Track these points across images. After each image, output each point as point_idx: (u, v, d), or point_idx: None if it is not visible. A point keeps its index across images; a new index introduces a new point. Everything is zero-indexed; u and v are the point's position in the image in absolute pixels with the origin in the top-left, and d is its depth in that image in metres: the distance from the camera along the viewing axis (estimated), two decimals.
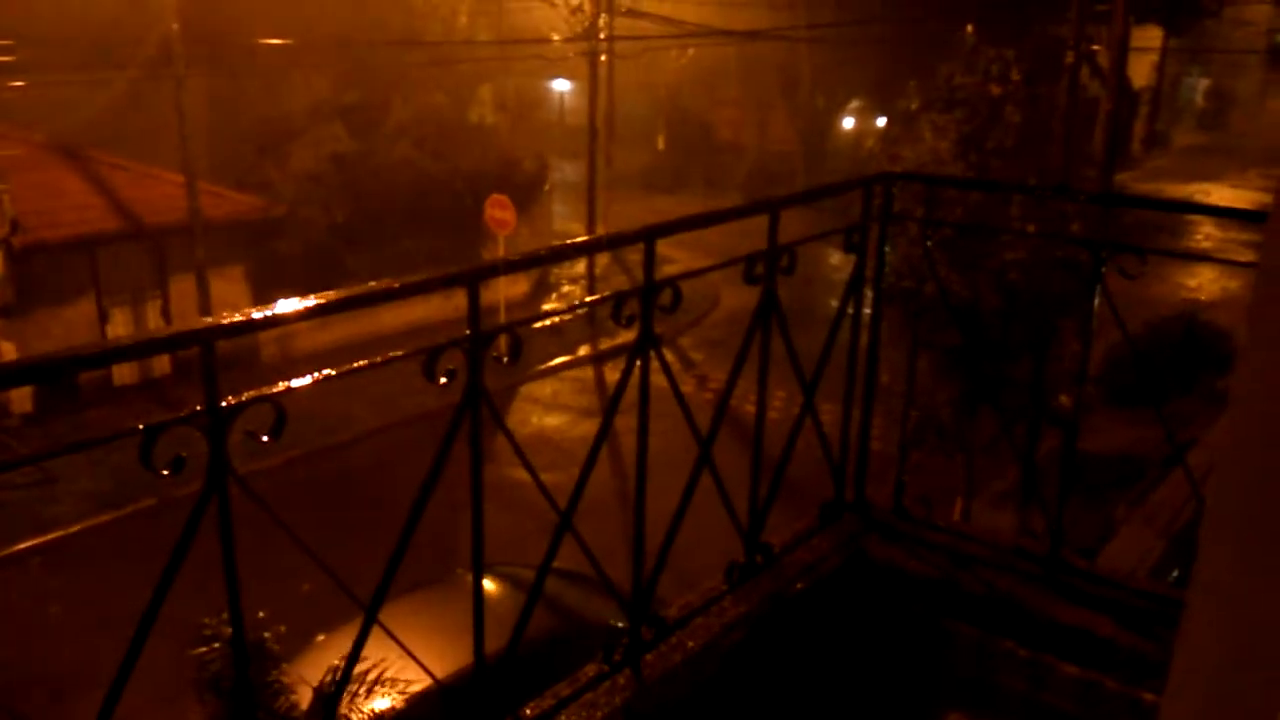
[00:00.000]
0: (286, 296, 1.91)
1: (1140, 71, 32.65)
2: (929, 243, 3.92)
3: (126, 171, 15.19)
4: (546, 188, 22.34)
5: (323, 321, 9.75)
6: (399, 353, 2.08)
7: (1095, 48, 18.45)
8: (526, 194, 19.67)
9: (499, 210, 16.28)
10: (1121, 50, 13.67)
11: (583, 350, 17.11)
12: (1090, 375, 11.19)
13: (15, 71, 13.94)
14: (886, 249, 3.47)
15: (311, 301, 1.86)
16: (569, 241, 2.90)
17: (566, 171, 26.55)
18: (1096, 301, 3.06)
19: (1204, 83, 44.08)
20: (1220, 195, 28.13)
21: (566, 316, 17.54)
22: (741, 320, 2.96)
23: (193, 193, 14.32)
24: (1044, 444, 9.62)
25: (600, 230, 20.33)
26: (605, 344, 17.22)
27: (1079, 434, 3.59)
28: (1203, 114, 44.05)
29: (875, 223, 3.34)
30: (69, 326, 13.76)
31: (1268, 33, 25.37)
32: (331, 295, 1.91)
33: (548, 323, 17.00)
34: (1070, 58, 14.56)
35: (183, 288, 14.83)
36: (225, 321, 1.74)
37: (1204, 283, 19.84)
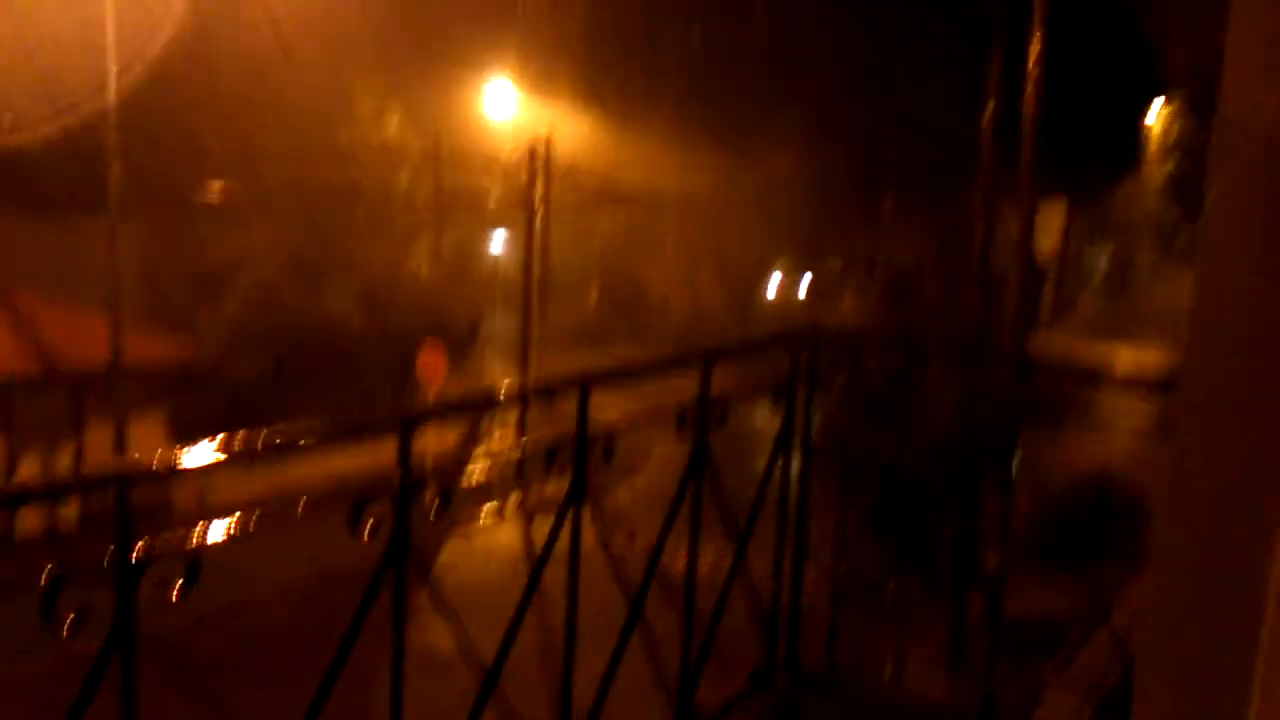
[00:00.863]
0: (211, 442, 1.85)
1: (1047, 240, 34.71)
2: (855, 402, 4.03)
3: (52, 314, 14.92)
4: (479, 340, 22.50)
5: (244, 471, 9.47)
6: (318, 503, 2.02)
7: (1002, 218, 19.59)
8: (460, 347, 19.78)
9: (431, 361, 16.29)
10: (1029, 220, 14.48)
11: (512, 502, 16.85)
12: (1013, 536, 11.37)
13: None
14: (815, 404, 3.55)
15: (231, 448, 1.81)
16: (504, 389, 2.91)
17: (500, 324, 26.77)
18: (1016, 463, 3.15)
19: (1106, 252, 47.07)
20: (1126, 357, 29.47)
21: (495, 468, 17.36)
22: (673, 472, 2.97)
23: (116, 336, 14.07)
24: (973, 604, 9.64)
25: (531, 381, 20.38)
26: (535, 497, 17.01)
27: (1005, 595, 3.62)
28: (1106, 282, 46.82)
29: (802, 380, 3.43)
30: None
31: (1161, 208, 27.32)
32: (260, 439, 1.86)
33: (475, 475, 16.80)
34: (980, 227, 15.39)
35: (100, 434, 14.36)
36: (145, 465, 1.69)
37: (1117, 448, 20.53)
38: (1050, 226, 33.57)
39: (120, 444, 14.08)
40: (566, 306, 30.39)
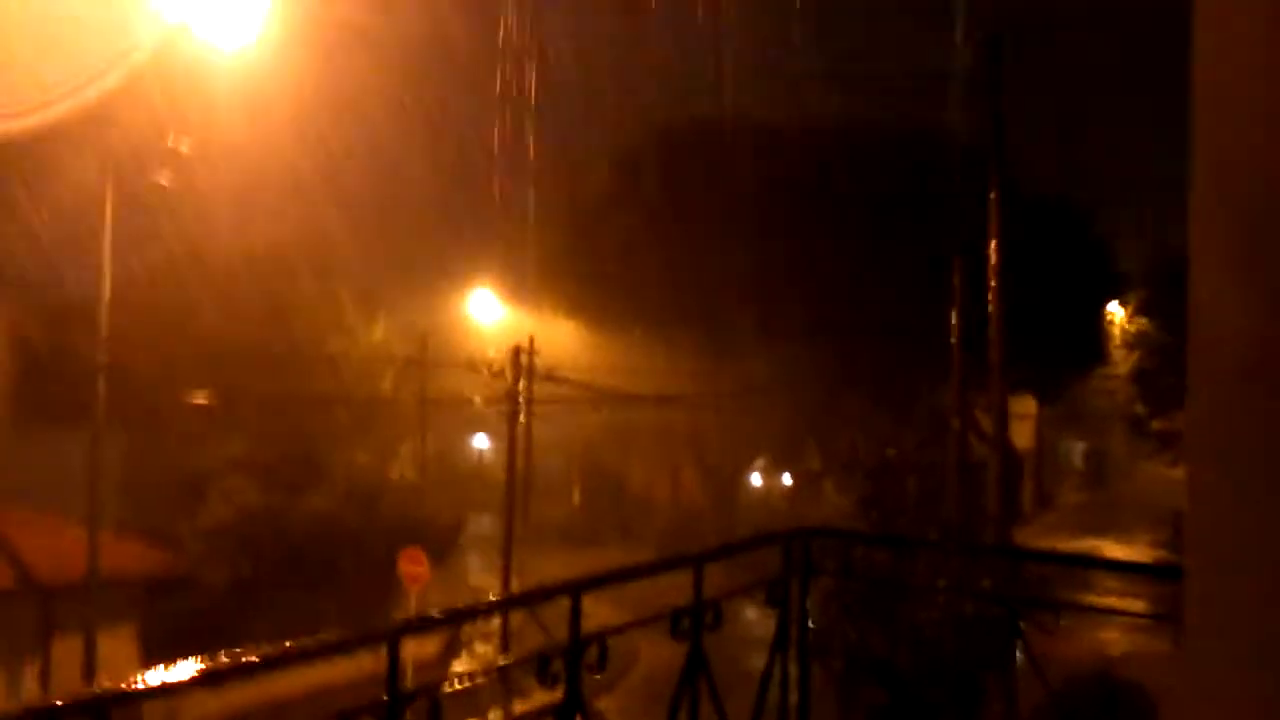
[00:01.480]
0: (180, 658, 1.79)
1: (1021, 435, 35.18)
2: (848, 598, 4.03)
3: (27, 524, 14.68)
4: (462, 542, 22.20)
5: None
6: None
7: (976, 414, 20.06)
8: (442, 548, 19.49)
9: (412, 565, 16.01)
10: (1001, 416, 14.83)
11: (494, 717, 16.12)
12: None
13: None
14: (809, 603, 3.55)
15: (206, 667, 1.74)
16: (492, 598, 2.91)
17: (484, 525, 26.49)
18: (1019, 657, 3.15)
19: (1080, 445, 47.63)
20: (1112, 550, 29.28)
21: (479, 679, 16.71)
22: (664, 679, 2.94)
23: (93, 548, 13.82)
24: None
25: (515, 585, 19.97)
26: (521, 708, 16.30)
27: None
28: (1083, 474, 47.21)
29: (796, 577, 3.45)
30: None
31: (1130, 400, 27.97)
32: (243, 657, 1.80)
33: (461, 685, 16.15)
34: (956, 423, 15.70)
35: (68, 647, 13.82)
36: (121, 688, 1.63)
37: (1115, 637, 20.08)
38: (1023, 422, 34.22)
39: (90, 657, 13.55)
40: (550, 505, 30.22)
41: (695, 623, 2.88)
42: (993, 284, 13.63)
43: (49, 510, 15.18)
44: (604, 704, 16.99)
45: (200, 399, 18.37)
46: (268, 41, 13.17)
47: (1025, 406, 33.34)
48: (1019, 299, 14.13)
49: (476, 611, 2.52)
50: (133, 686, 1.67)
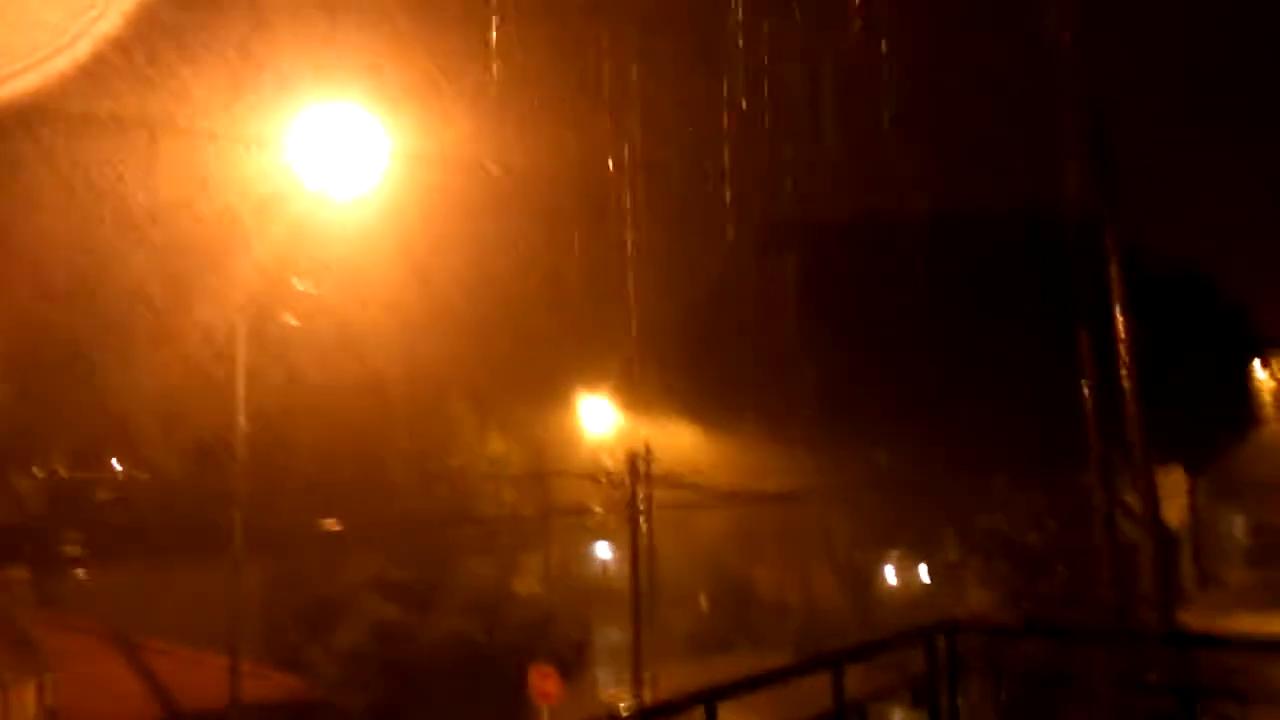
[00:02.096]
0: None
1: (1174, 511, 32.92)
2: (1002, 696, 3.71)
3: (172, 657, 15.16)
4: (591, 654, 21.90)
5: None
6: None
7: (1122, 493, 19.01)
8: (570, 662, 19.26)
9: (544, 681, 15.83)
10: (1149, 491, 13.94)
11: None
12: None
13: (80, 563, 14.56)
14: (959, 702, 3.29)
15: None
16: (623, 711, 2.76)
17: (611, 636, 26.10)
18: None
19: (1241, 519, 44.20)
20: None
21: None
22: None
23: (234, 676, 14.10)
24: None
25: (648, 698, 19.48)
26: None
27: None
28: (1250, 550, 43.58)
29: (942, 674, 3.20)
30: None
31: None
32: None
33: None
34: (1101, 502, 14.82)
35: None
36: None
37: None
38: (1173, 496, 32.00)
39: None
40: (677, 613, 29.61)
41: None
42: (1123, 356, 13.06)
43: (190, 642, 15.67)
44: None
45: (331, 524, 18.85)
46: (385, 189, 13.97)
47: (1174, 480, 31.33)
48: (1155, 370, 13.46)
49: None
50: None
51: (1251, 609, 31.59)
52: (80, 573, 14.51)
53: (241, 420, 14.73)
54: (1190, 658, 4.93)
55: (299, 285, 15.73)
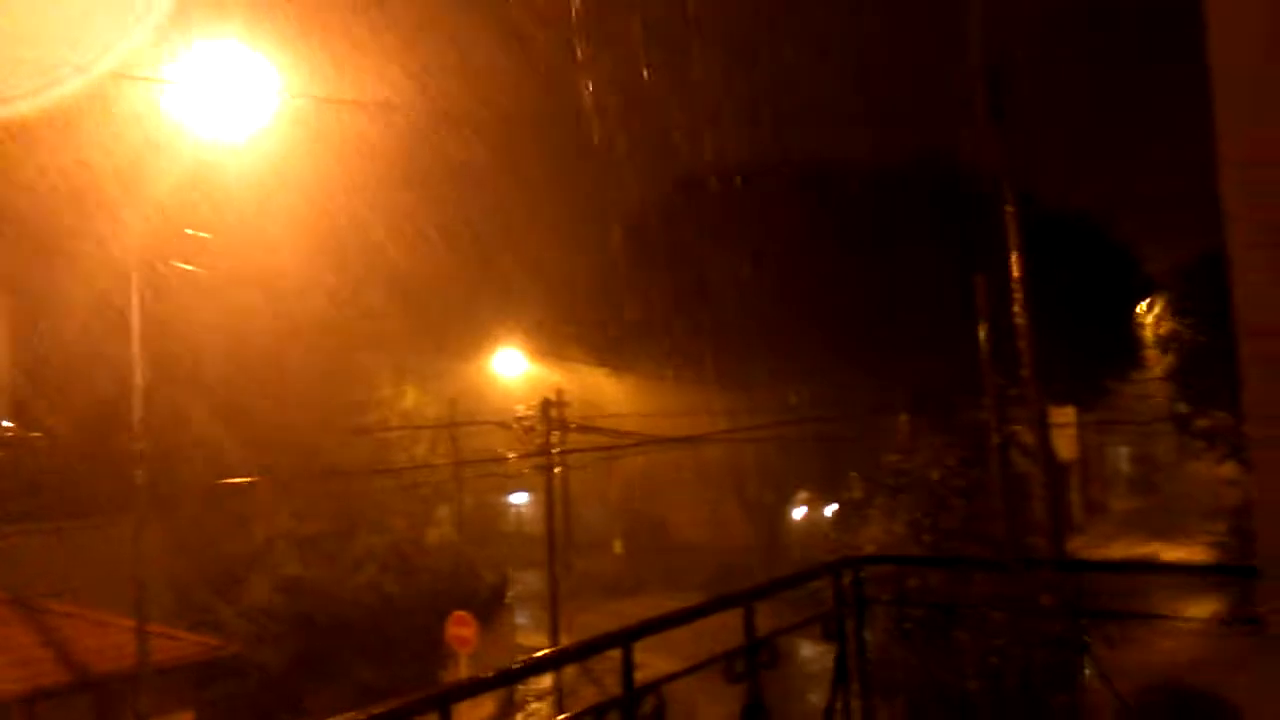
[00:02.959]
0: None
1: (1064, 445, 34.54)
2: (906, 625, 3.92)
3: (79, 620, 14.77)
4: (508, 600, 22.07)
5: None
6: None
7: (1016, 428, 19.78)
8: (488, 608, 19.39)
9: (460, 628, 15.91)
10: (1041, 427, 14.63)
11: None
12: None
13: None
14: (866, 634, 3.46)
15: None
16: (540, 654, 2.83)
17: (528, 581, 26.33)
18: (1086, 674, 3.03)
19: (1125, 451, 46.72)
20: (1171, 554, 28.60)
21: None
22: None
23: (141, 638, 13.82)
24: None
25: (565, 641, 19.77)
26: None
27: None
28: (1132, 480, 46.26)
29: (849, 608, 3.36)
30: None
31: (1170, 401, 27.55)
32: None
33: None
34: (996, 439, 15.48)
35: None
36: None
37: (1182, 645, 19.54)
38: (1064, 432, 33.63)
39: None
40: (593, 557, 30.04)
41: (750, 663, 2.80)
42: (1017, 297, 13.59)
43: (96, 605, 15.28)
44: None
45: (238, 481, 18.46)
46: (278, 130, 13.49)
47: (1065, 416, 32.81)
48: (1047, 311, 14.04)
49: (526, 671, 2.46)
50: None
51: (1132, 534, 33.60)
52: None
53: (139, 374, 14.25)
54: (1077, 582, 5.26)
55: (193, 233, 15.16)
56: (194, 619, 17.31)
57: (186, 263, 15.23)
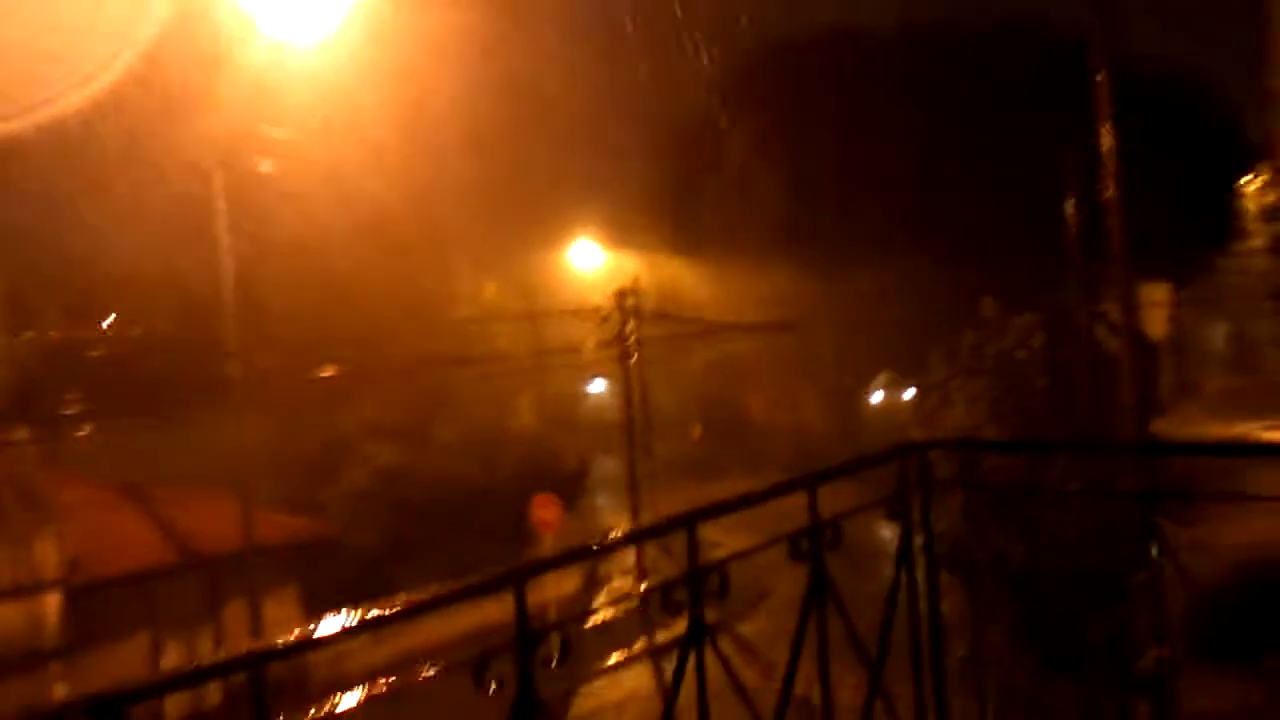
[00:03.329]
0: (337, 615, 1.92)
1: (1156, 323, 33.38)
2: (978, 509, 3.92)
3: (184, 505, 15.66)
4: (589, 485, 22.67)
5: (375, 638, 9.63)
6: (441, 666, 2.02)
7: (1105, 307, 19.18)
8: (570, 493, 19.96)
9: (544, 511, 16.43)
10: (1129, 304, 14.21)
11: (638, 646, 16.56)
12: (1177, 628, 10.58)
13: (81, 421, 14.81)
14: (933, 516, 3.47)
15: (353, 619, 1.85)
16: (610, 536, 2.91)
17: (608, 467, 26.95)
18: (1154, 551, 3.01)
19: (1222, 329, 44.94)
20: (1269, 436, 27.78)
21: (617, 612, 17.14)
22: (799, 600, 2.92)
23: (247, 520, 14.63)
24: (1138, 710, 8.97)
25: (645, 520, 20.30)
26: (662, 637, 16.70)
27: (1174, 699, 3.39)
28: (1228, 359, 44.61)
29: (915, 491, 3.36)
30: (122, 663, 13.64)
31: (1272, 276, 26.27)
32: (374, 611, 1.90)
33: (599, 620, 16.60)
34: (1083, 319, 15.07)
35: (236, 613, 14.80)
36: (273, 645, 1.75)
37: (1272, 525, 19.16)
38: (1156, 310, 32.43)
39: (256, 621, 14.45)
40: (672, 442, 30.49)
41: (815, 543, 2.85)
42: (1110, 166, 13.01)
43: (202, 491, 16.16)
44: (745, 629, 17.27)
45: (327, 372, 19.08)
46: (353, 29, 13.41)
47: (1158, 293, 31.63)
48: (1141, 184, 13.43)
49: (592, 550, 2.54)
50: (280, 644, 1.76)
51: (1223, 416, 32.55)
52: (82, 430, 14.79)
53: (228, 271, 14.68)
54: (1154, 463, 5.17)
55: (272, 132, 15.35)
56: (294, 503, 18.21)
57: (267, 161, 15.48)
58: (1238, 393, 38.72)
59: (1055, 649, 8.05)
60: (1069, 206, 14.84)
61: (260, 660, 1.72)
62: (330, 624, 1.82)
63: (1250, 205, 25.05)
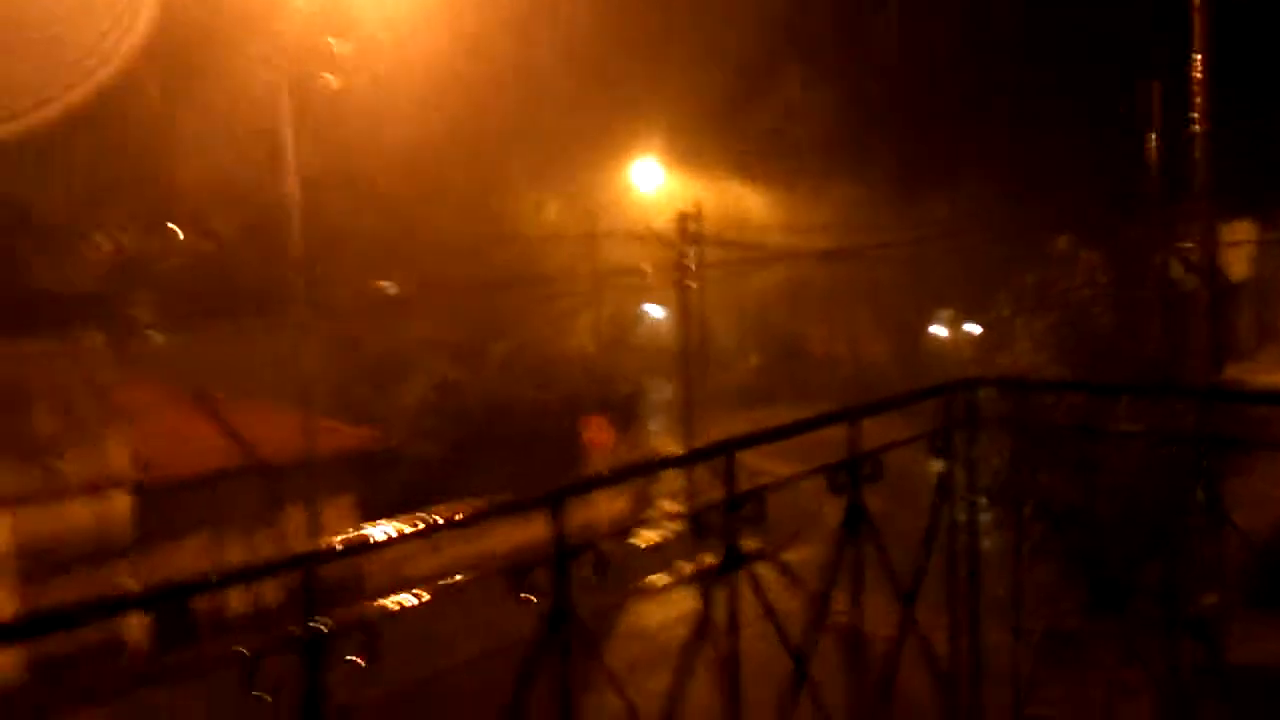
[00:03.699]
0: (385, 523, 2.01)
1: (1239, 264, 32.22)
2: (1028, 447, 3.87)
3: (249, 412, 16.14)
4: (643, 407, 22.83)
5: (432, 545, 9.90)
6: (475, 574, 2.10)
7: (1186, 245, 18.49)
8: (624, 415, 20.14)
9: (597, 432, 16.64)
10: (1210, 241, 13.71)
11: (685, 568, 16.82)
12: (1228, 576, 10.44)
13: (152, 327, 15.25)
14: (981, 453, 3.44)
15: (394, 529, 1.93)
16: (646, 459, 2.95)
17: (664, 391, 27.08)
18: (1201, 497, 2.97)
19: None
20: None
21: (666, 533, 17.38)
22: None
23: (309, 429, 15.05)
24: (1185, 653, 8.90)
25: (697, 444, 20.44)
26: (710, 560, 16.93)
27: (1224, 645, 3.36)
28: None
29: (959, 427, 3.33)
30: (188, 561, 14.26)
31: None
32: (418, 522, 1.97)
33: (646, 540, 16.86)
34: (1158, 257, 14.61)
35: (296, 518, 15.34)
36: (320, 549, 1.83)
37: None
38: (1240, 249, 31.18)
39: (314, 526, 14.98)
40: (727, 370, 30.50)
41: (852, 476, 2.86)
42: (1198, 100, 12.43)
43: (266, 399, 16.61)
44: (790, 556, 17.43)
45: (389, 286, 19.35)
46: None
47: (1242, 232, 30.37)
48: (1233, 118, 12.83)
49: (630, 473, 2.60)
50: (326, 547, 1.84)
51: None
52: (153, 336, 15.27)
53: (294, 185, 14.85)
54: (1218, 410, 5.02)
55: (336, 46, 15.33)
56: (355, 414, 18.66)
57: (332, 74, 15.50)
58: None
59: (1103, 589, 8.00)
60: (1151, 139, 14.25)
61: (310, 561, 1.81)
62: (377, 531, 1.90)
63: None
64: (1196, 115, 12.54)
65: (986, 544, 3.53)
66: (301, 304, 15.21)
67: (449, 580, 2.11)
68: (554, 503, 2.19)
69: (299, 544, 14.78)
